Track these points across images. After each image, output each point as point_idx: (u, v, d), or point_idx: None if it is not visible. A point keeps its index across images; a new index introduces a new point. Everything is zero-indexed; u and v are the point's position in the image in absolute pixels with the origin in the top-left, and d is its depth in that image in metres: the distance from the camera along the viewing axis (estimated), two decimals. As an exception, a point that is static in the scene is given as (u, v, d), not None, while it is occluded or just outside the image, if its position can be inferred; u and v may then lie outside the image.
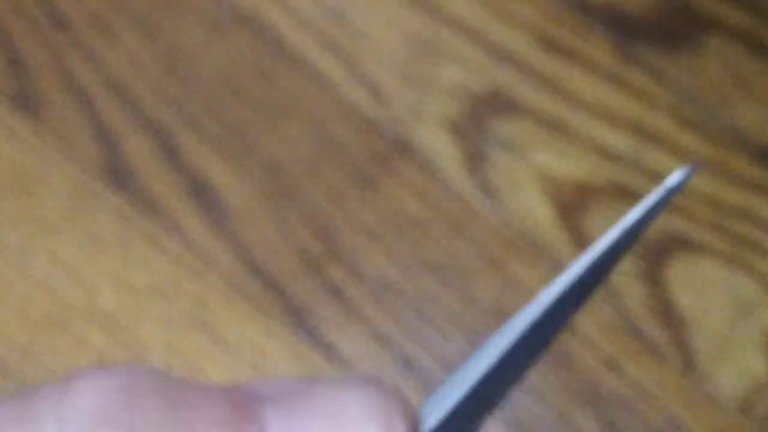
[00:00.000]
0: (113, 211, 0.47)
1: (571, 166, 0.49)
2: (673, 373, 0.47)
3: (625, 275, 0.48)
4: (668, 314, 0.48)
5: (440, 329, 0.47)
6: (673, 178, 0.19)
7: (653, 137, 0.49)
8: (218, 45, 0.49)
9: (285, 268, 0.47)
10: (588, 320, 0.47)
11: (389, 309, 0.48)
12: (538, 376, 0.47)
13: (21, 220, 0.47)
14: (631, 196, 0.49)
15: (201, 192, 0.48)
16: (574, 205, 0.49)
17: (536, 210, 0.48)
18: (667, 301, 0.48)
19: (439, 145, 0.49)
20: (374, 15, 0.50)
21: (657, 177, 0.49)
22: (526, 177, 0.49)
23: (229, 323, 0.47)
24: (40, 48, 0.49)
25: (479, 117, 0.50)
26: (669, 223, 0.49)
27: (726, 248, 0.48)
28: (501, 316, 0.47)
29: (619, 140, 0.49)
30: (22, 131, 0.47)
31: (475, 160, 0.49)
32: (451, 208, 0.48)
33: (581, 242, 0.48)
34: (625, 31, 0.51)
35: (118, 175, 0.47)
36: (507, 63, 0.50)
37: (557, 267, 0.48)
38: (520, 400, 0.47)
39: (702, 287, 0.48)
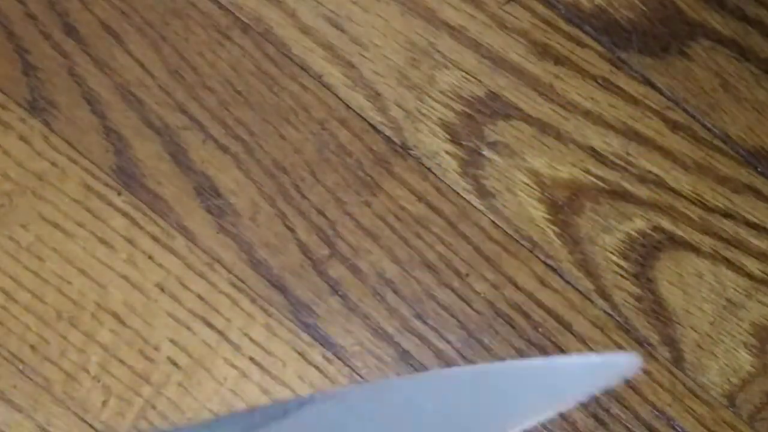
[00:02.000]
0: (121, 213, 0.47)
1: (563, 168, 0.49)
2: (661, 368, 0.48)
3: (615, 273, 0.48)
4: (657, 311, 0.48)
5: (437, 326, 0.48)
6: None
7: (643, 140, 0.50)
8: (222, 51, 0.49)
9: (287, 268, 0.47)
10: (579, 317, 0.48)
11: (388, 306, 0.48)
12: (532, 371, 0.48)
13: (33, 221, 0.47)
14: (621, 197, 0.49)
15: (206, 194, 0.48)
16: (566, 206, 0.49)
17: (530, 210, 0.49)
18: (656, 298, 0.48)
19: (436, 148, 0.49)
20: (373, 22, 0.50)
21: (647, 178, 0.49)
22: (521, 179, 0.49)
23: (232, 321, 0.47)
24: (52, 55, 0.49)
25: (475, 121, 0.50)
26: (658, 222, 0.49)
27: (713, 247, 0.49)
28: (496, 313, 0.48)
29: (610, 143, 0.49)
30: (34, 135, 0.47)
31: (471, 163, 0.49)
32: (448, 209, 0.49)
33: (573, 242, 0.48)
34: (616, 37, 0.51)
35: (126, 177, 0.47)
36: (502, 69, 0.50)
37: (550, 266, 0.48)
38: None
39: (690, 285, 0.48)
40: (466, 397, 0.18)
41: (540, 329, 0.48)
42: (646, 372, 0.47)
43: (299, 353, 0.47)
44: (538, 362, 0.19)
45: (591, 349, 0.47)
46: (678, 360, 0.48)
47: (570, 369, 0.18)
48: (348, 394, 0.18)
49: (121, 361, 0.46)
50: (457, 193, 0.48)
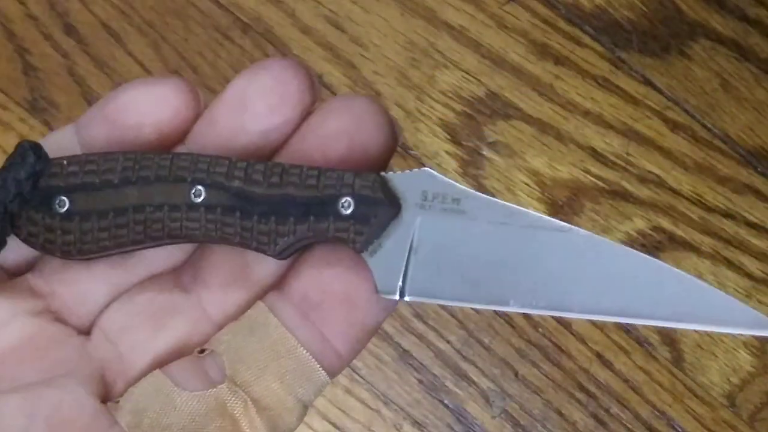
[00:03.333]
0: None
1: (563, 167, 0.49)
2: (661, 368, 0.48)
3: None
4: (657, 311, 0.48)
5: (437, 326, 0.48)
6: None
7: (643, 140, 0.50)
8: (222, 51, 0.50)
9: (287, 267, 0.48)
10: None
11: (388, 306, 0.48)
12: (533, 371, 0.48)
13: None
14: (621, 197, 0.49)
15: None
16: (566, 206, 0.49)
17: (530, 210, 0.49)
18: (656, 299, 0.48)
19: (436, 148, 0.49)
20: (374, 22, 0.51)
21: (647, 178, 0.49)
22: (521, 178, 0.49)
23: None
24: (52, 55, 0.49)
25: (475, 121, 0.50)
26: (658, 222, 0.49)
27: (713, 247, 0.49)
28: (496, 312, 0.48)
29: (610, 143, 0.50)
30: (34, 135, 0.48)
31: (471, 163, 0.49)
32: (448, 209, 0.49)
33: (573, 242, 0.48)
34: (616, 37, 0.51)
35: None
36: (502, 68, 0.50)
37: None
38: (516, 394, 0.47)
39: (690, 285, 0.48)
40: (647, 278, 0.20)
41: (540, 329, 0.48)
42: (646, 372, 0.47)
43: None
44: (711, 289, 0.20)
45: (591, 349, 0.48)
46: (678, 360, 0.48)
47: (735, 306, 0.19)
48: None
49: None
50: (457, 193, 0.48)
